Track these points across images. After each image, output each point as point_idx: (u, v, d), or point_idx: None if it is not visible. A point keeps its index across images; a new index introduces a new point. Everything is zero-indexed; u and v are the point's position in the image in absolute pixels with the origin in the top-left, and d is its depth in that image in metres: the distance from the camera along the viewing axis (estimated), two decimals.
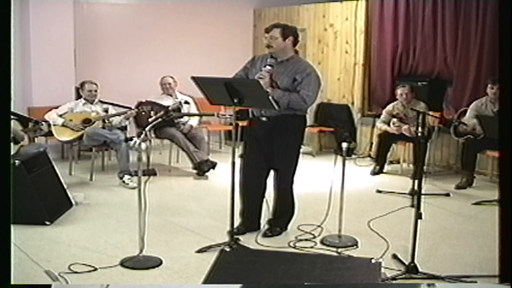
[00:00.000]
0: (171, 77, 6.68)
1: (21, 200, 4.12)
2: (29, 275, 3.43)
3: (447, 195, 5.57)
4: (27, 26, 6.70)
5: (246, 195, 4.24)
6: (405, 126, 6.13)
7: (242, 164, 4.16)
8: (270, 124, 4.09)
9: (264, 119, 4.10)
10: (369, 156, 7.28)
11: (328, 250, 3.98)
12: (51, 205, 4.52)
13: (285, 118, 4.04)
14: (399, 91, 6.41)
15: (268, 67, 3.98)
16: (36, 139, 5.95)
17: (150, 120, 4.35)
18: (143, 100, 6.38)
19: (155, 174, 6.01)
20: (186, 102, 6.51)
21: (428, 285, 3.25)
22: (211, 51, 8.17)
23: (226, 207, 3.93)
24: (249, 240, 4.10)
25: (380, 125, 6.53)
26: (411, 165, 6.53)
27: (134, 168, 5.33)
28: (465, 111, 6.12)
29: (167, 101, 6.49)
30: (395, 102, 6.53)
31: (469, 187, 5.85)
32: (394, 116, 6.33)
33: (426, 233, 4.00)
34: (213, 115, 5.11)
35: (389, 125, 6.33)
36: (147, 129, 3.95)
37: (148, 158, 6.54)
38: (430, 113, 5.68)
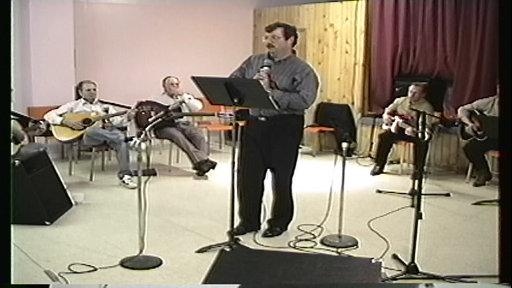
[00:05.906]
0: (176, 78, 6.68)
1: (21, 200, 4.12)
2: (29, 275, 3.42)
3: (447, 195, 5.57)
4: (27, 26, 6.70)
5: (244, 195, 4.23)
6: (409, 128, 6.12)
7: (239, 164, 4.14)
8: (268, 124, 4.08)
9: (262, 119, 4.09)
10: (369, 156, 7.28)
11: (328, 250, 3.97)
12: (51, 205, 4.52)
13: (283, 118, 4.03)
14: (410, 87, 6.39)
15: (266, 68, 3.96)
16: (36, 139, 5.96)
17: (150, 120, 4.35)
18: (143, 100, 6.38)
19: (155, 174, 6.00)
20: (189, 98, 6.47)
21: (427, 285, 3.24)
22: (211, 51, 8.17)
23: (226, 207, 3.93)
24: (249, 240, 4.10)
25: (385, 121, 6.50)
26: (411, 165, 6.53)
27: (134, 168, 5.33)
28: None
29: (168, 101, 6.49)
30: (401, 98, 6.53)
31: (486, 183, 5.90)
32: (397, 114, 6.34)
33: (426, 233, 3.99)
34: (213, 115, 5.11)
35: (392, 123, 6.33)
36: (147, 129, 3.94)
37: (148, 158, 6.55)
38: (430, 113, 5.68)
